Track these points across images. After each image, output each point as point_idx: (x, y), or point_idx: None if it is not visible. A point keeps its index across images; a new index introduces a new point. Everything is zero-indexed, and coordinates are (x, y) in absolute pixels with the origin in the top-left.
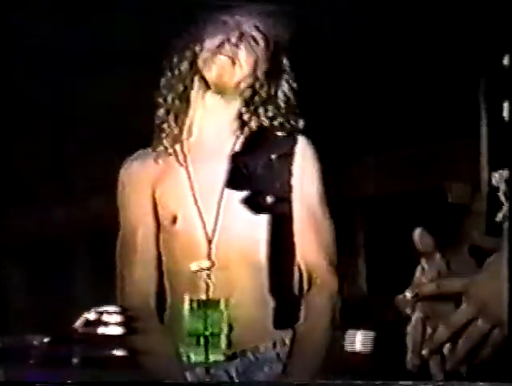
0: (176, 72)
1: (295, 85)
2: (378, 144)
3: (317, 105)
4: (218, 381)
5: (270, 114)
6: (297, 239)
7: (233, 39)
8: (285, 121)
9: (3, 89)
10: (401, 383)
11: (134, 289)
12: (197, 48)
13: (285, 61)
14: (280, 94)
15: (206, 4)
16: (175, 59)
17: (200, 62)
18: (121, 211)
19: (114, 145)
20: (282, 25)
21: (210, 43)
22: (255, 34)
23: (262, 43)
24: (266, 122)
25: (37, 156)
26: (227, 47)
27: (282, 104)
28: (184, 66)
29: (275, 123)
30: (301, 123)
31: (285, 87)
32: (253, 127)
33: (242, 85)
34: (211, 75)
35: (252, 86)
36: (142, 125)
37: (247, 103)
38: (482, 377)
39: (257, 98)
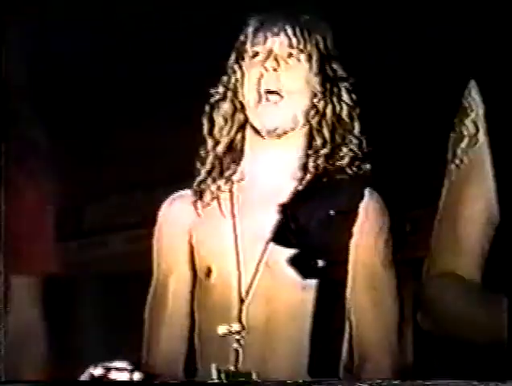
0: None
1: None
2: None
3: (385, 145)
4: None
5: (335, 155)
6: (352, 311)
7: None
8: (351, 164)
9: None
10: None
11: (161, 349)
12: None
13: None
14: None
15: None
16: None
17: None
18: (155, 256)
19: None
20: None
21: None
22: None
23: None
24: (328, 165)
25: None
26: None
27: (351, 142)
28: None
29: (339, 166)
30: (368, 167)
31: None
32: (313, 172)
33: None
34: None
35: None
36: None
37: (309, 141)
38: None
39: (319, 136)
